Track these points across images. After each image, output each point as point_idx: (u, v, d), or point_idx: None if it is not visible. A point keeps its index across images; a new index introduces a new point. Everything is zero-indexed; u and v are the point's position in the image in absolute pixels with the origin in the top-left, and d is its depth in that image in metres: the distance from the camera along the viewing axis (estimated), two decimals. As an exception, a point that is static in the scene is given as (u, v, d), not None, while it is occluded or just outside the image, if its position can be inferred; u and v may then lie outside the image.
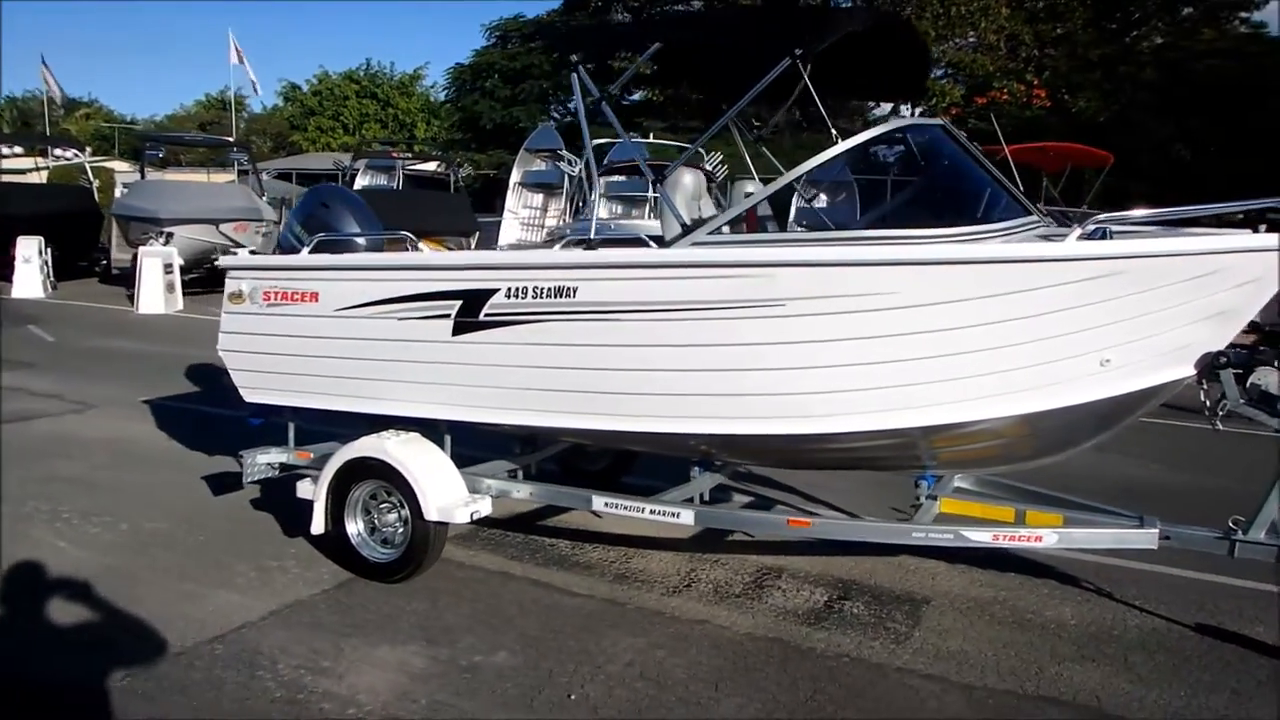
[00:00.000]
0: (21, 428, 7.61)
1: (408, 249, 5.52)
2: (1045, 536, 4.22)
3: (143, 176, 18.96)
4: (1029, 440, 4.31)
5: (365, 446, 4.71)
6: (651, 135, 17.75)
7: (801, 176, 4.19)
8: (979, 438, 4.21)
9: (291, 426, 5.39)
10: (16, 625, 4.23)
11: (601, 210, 17.84)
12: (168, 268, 15.72)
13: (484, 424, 4.63)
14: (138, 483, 6.30)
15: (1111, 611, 4.64)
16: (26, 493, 5.96)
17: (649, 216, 17.86)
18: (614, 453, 6.11)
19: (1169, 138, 22.33)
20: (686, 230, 4.26)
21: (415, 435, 4.77)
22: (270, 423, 5.56)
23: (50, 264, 17.43)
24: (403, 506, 4.66)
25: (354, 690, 3.70)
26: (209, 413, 8.40)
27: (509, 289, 4.26)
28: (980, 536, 4.24)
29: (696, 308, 3.96)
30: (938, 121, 4.51)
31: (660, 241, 4.52)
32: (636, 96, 31.47)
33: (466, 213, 19.77)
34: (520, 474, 5.35)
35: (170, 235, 16.21)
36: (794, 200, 5.45)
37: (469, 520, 4.60)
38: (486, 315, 4.31)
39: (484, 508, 4.66)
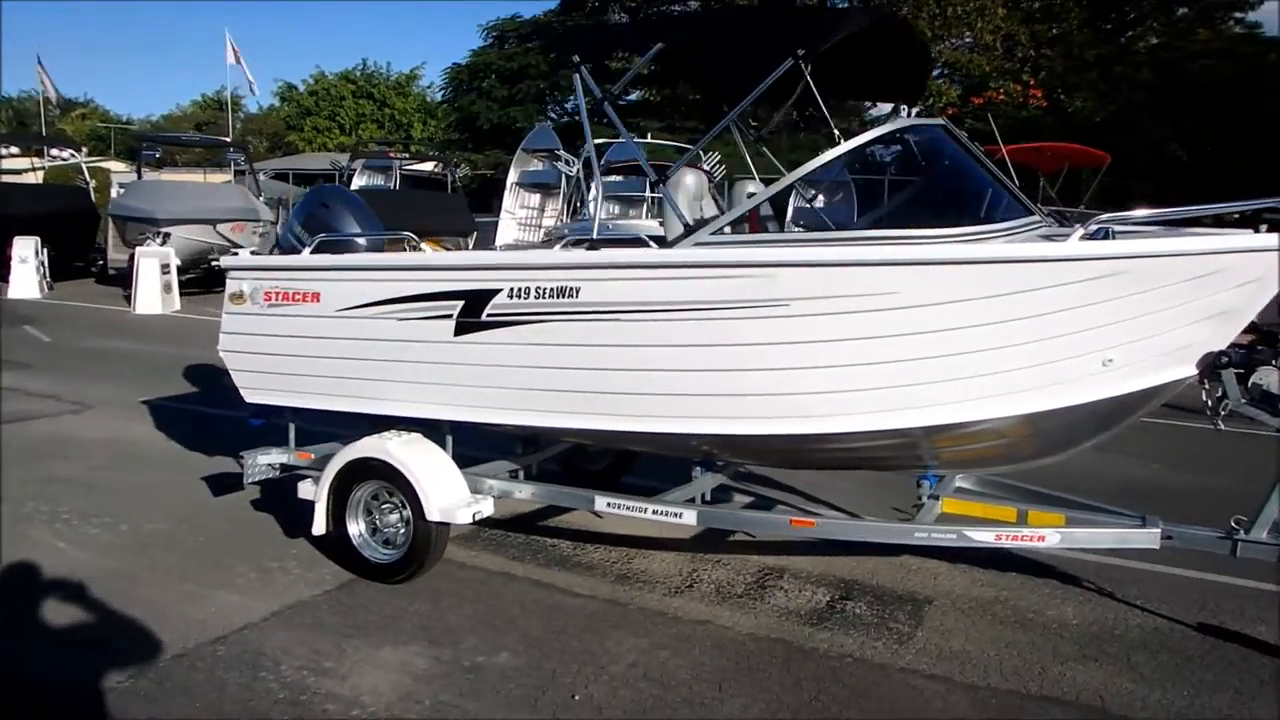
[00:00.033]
0: (19, 428, 7.59)
1: (408, 249, 5.52)
2: (1048, 536, 4.22)
3: (139, 177, 18.94)
4: (1031, 440, 4.31)
5: (367, 447, 4.70)
6: (650, 135, 17.72)
7: (806, 176, 4.19)
8: (981, 438, 4.22)
9: (292, 427, 5.38)
10: (17, 626, 4.20)
11: (602, 210, 17.84)
12: (165, 268, 15.70)
13: (486, 424, 4.62)
14: (137, 483, 6.28)
15: (1113, 611, 4.65)
16: (25, 494, 5.95)
17: (646, 216, 17.88)
18: (614, 453, 6.10)
19: (1165, 138, 22.38)
20: (689, 230, 4.26)
21: (417, 436, 4.76)
22: (271, 423, 5.56)
23: (46, 264, 17.40)
24: (404, 507, 4.65)
25: (357, 691, 3.69)
26: (207, 413, 8.38)
27: (511, 289, 4.25)
28: (983, 536, 4.24)
29: (699, 308, 3.96)
30: (939, 121, 4.51)
31: (662, 242, 4.52)
32: (633, 97, 31.47)
33: (464, 213, 19.77)
34: (522, 474, 5.34)
35: (167, 235, 16.19)
36: (791, 200, 5.46)
37: (471, 521, 4.60)
38: (489, 315, 4.31)
39: (486, 508, 4.65)
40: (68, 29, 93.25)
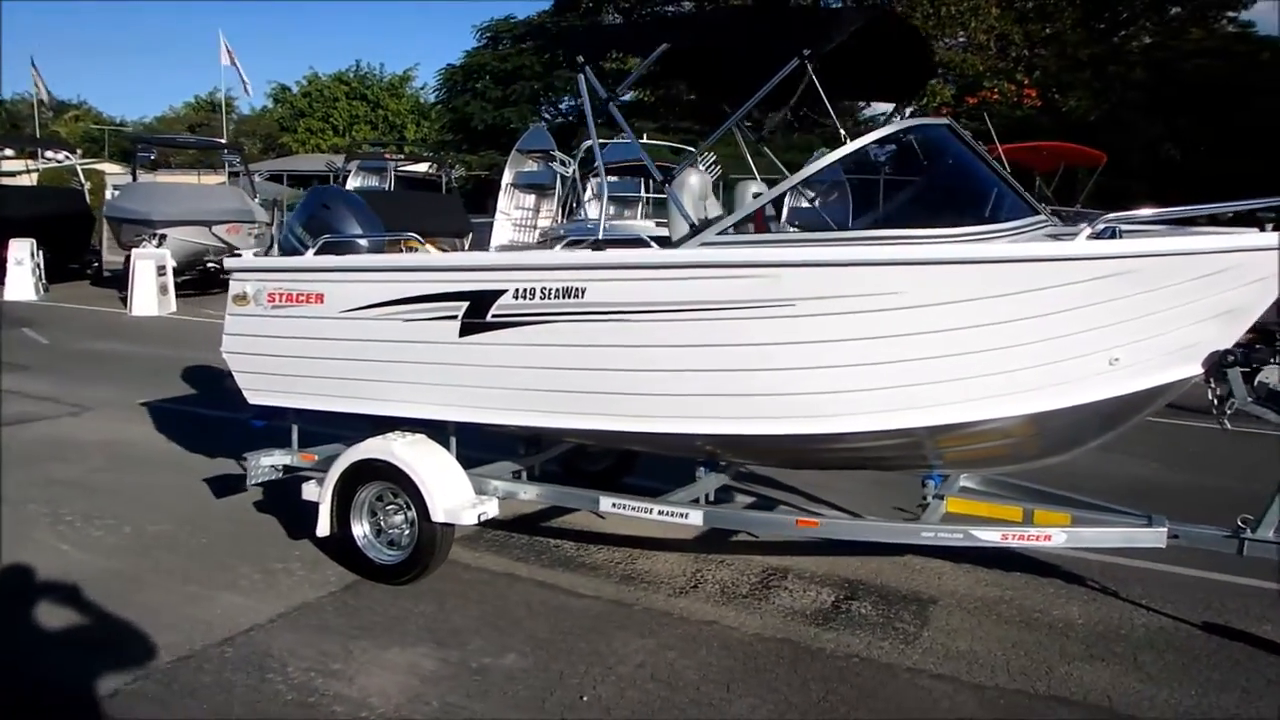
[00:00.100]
0: (19, 430, 7.56)
1: (410, 250, 5.50)
2: (1054, 535, 4.23)
3: (134, 178, 18.89)
4: (1036, 440, 4.32)
5: (371, 448, 4.69)
6: (645, 136, 17.72)
7: (811, 176, 4.19)
8: (987, 437, 4.22)
9: (295, 428, 5.37)
10: (22, 628, 4.18)
11: (594, 211, 17.83)
12: (160, 269, 15.66)
13: (492, 425, 4.62)
14: (138, 485, 6.26)
15: (1118, 610, 4.65)
16: (27, 496, 5.92)
17: (641, 217, 17.88)
18: (615, 453, 6.10)
19: (1158, 137, 22.47)
20: (695, 230, 4.25)
21: (421, 437, 4.75)
22: (273, 425, 5.54)
23: (42, 266, 17.35)
24: (409, 508, 4.64)
25: (365, 693, 3.68)
26: (207, 415, 8.35)
27: (517, 290, 4.24)
28: (989, 536, 4.24)
29: (706, 308, 3.95)
30: (944, 121, 4.51)
31: (663, 241, 4.52)
32: (627, 97, 31.47)
33: (460, 213, 19.75)
34: (524, 475, 5.33)
35: (163, 237, 16.16)
36: (786, 200, 5.46)
37: (476, 522, 4.59)
38: (494, 316, 4.30)
39: (491, 509, 4.65)
40: (60, 30, 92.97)
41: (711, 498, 5.11)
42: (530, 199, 19.72)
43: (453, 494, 4.58)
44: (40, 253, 17.27)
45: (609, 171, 17.82)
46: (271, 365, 4.97)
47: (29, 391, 9.00)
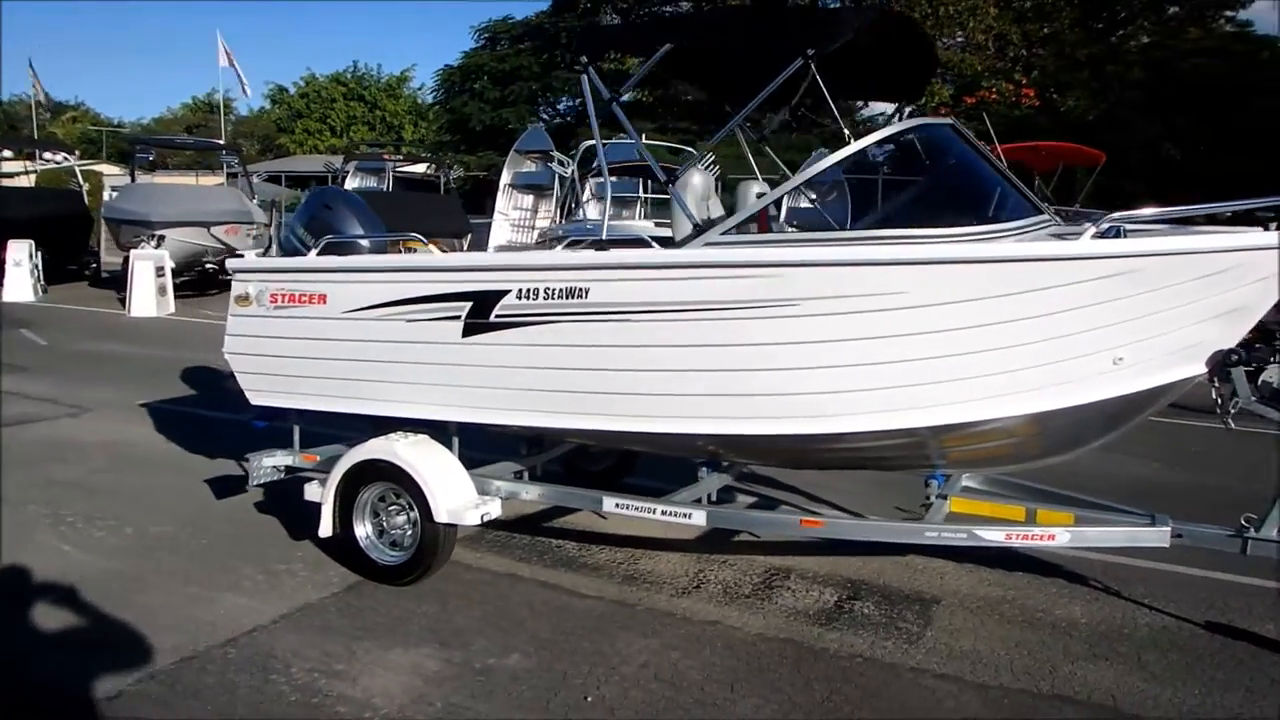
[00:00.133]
0: (18, 431, 7.54)
1: (408, 250, 5.49)
2: (1058, 535, 4.22)
3: (133, 179, 18.86)
4: (1039, 439, 4.32)
5: (374, 449, 4.68)
6: (643, 136, 17.68)
7: (816, 176, 4.19)
8: (990, 437, 4.22)
9: (297, 429, 5.36)
10: (24, 629, 4.17)
11: (593, 211, 17.84)
12: (159, 270, 15.64)
13: (495, 425, 4.61)
14: (139, 486, 6.25)
15: (1121, 610, 4.65)
16: (28, 497, 5.91)
17: (640, 217, 17.88)
18: (616, 453, 6.10)
19: (1157, 136, 22.49)
20: (698, 230, 4.25)
21: (424, 437, 4.75)
22: (275, 426, 5.53)
23: (40, 267, 17.33)
24: (412, 509, 4.64)
25: (369, 693, 3.68)
26: (206, 416, 8.34)
27: (520, 290, 4.24)
28: (993, 536, 4.24)
29: (709, 308, 3.95)
30: (947, 120, 4.51)
31: (664, 241, 4.51)
32: (625, 98, 31.46)
33: (459, 214, 19.75)
34: (526, 475, 5.32)
35: (162, 238, 16.14)
36: (785, 200, 5.45)
37: (479, 522, 4.59)
38: (498, 316, 4.30)
39: (494, 509, 4.64)
40: (56, 31, 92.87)
41: (714, 498, 5.11)
42: (528, 199, 19.72)
43: (456, 494, 4.57)
44: (39, 254, 17.25)
45: (610, 172, 17.83)
46: (274, 366, 4.96)
47: (28, 393, 8.99)
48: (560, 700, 3.67)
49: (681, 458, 5.51)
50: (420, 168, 25.38)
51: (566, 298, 4.15)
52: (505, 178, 19.75)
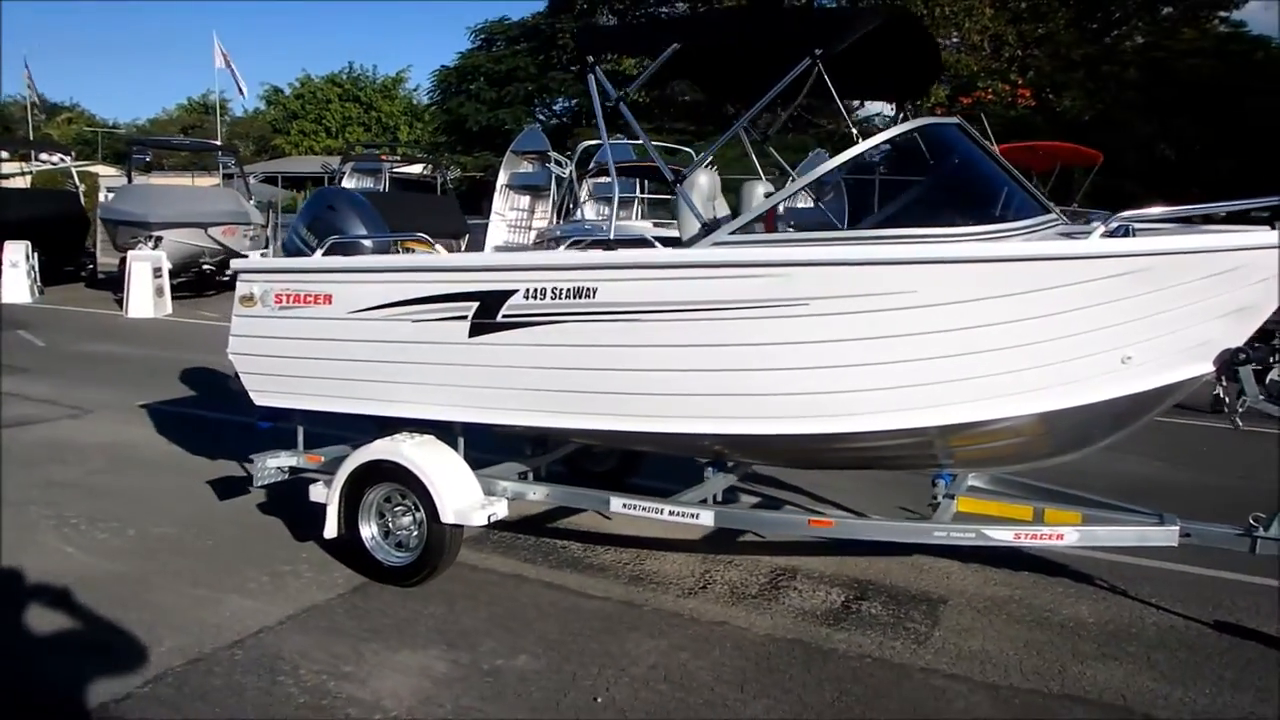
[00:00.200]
0: (18, 433, 7.51)
1: (407, 251, 5.47)
2: (1066, 535, 4.22)
3: (129, 180, 18.80)
4: (1047, 439, 4.32)
5: (380, 449, 4.66)
6: (638, 137, 17.64)
7: (826, 175, 4.19)
8: (998, 436, 4.22)
9: (301, 430, 5.35)
10: (28, 631, 4.15)
11: (590, 211, 17.84)
12: (156, 271, 15.58)
13: (502, 425, 4.60)
14: (141, 487, 6.22)
15: (1128, 609, 4.65)
16: (29, 498, 5.88)
17: (638, 217, 17.86)
18: (620, 454, 6.09)
19: (1153, 136, 22.56)
20: (706, 230, 4.24)
21: (430, 438, 4.73)
22: (278, 426, 5.52)
23: (37, 269, 17.27)
24: (418, 509, 4.62)
25: (378, 695, 3.66)
26: (207, 417, 8.32)
27: (527, 290, 4.22)
28: (1002, 535, 4.24)
29: (718, 307, 3.94)
30: (953, 120, 4.51)
31: (669, 242, 4.50)
32: (614, 98, 31.45)
33: (456, 215, 19.72)
34: (531, 475, 5.31)
35: (159, 239, 16.08)
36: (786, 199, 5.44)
37: (486, 523, 4.57)
38: (504, 316, 4.28)
39: (500, 510, 4.62)
40: (50, 31, 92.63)
41: (719, 498, 5.10)
42: (525, 200, 19.70)
43: (462, 495, 4.55)
44: (35, 255, 17.18)
45: (604, 172, 17.84)
46: (279, 366, 4.94)
47: (27, 394, 8.95)
48: (570, 701, 3.65)
49: (686, 458, 5.50)
50: (416, 168, 25.35)
51: (574, 297, 4.13)
52: (502, 178, 19.72)
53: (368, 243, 5.22)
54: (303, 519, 5.28)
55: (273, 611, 4.37)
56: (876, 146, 4.29)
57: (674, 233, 4.97)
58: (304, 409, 5.07)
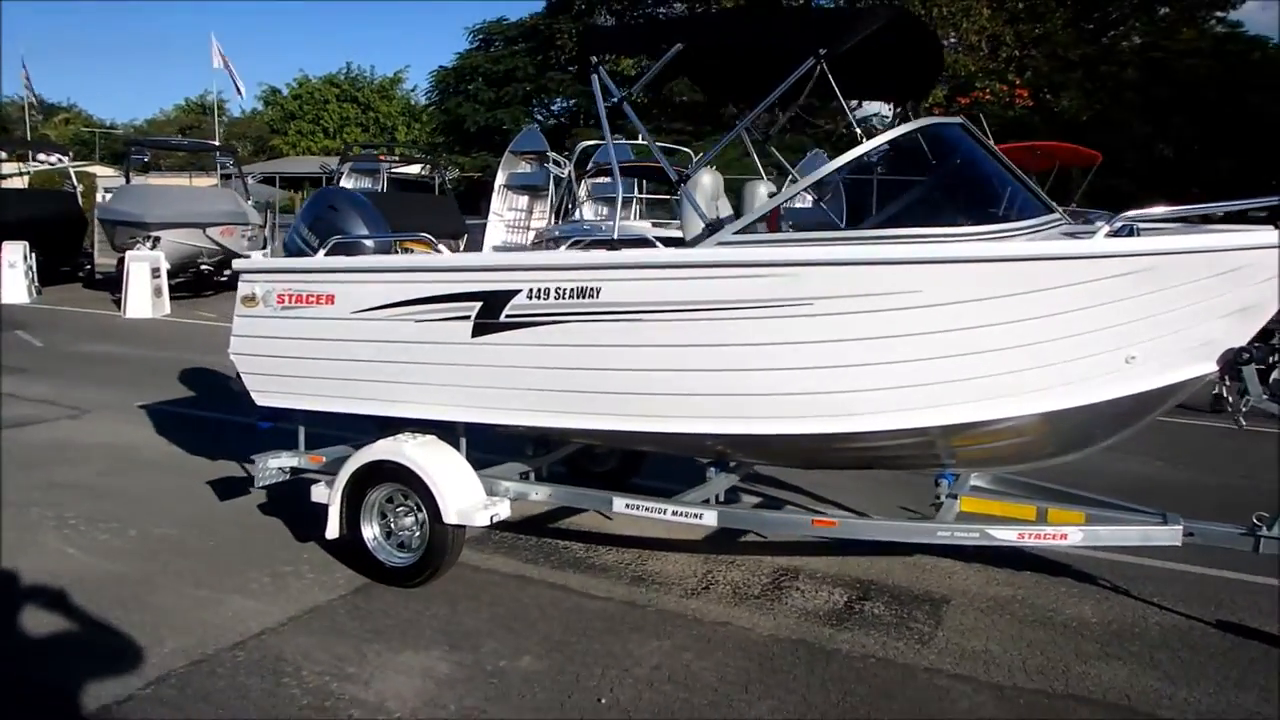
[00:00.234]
0: (18, 433, 7.48)
1: (406, 251, 5.46)
2: (1070, 534, 4.22)
3: (127, 181, 18.77)
4: (1051, 439, 4.31)
5: (383, 450, 4.65)
6: (638, 137, 17.67)
7: (830, 175, 4.18)
8: (1002, 436, 4.21)
9: (302, 430, 5.33)
10: (30, 633, 4.13)
11: (589, 212, 17.84)
12: (155, 272, 15.55)
13: (505, 426, 4.59)
14: (141, 488, 6.21)
15: (1131, 609, 4.65)
16: (29, 499, 5.86)
17: (635, 217, 17.87)
18: (621, 454, 6.08)
19: (1151, 136, 22.60)
20: (711, 230, 4.24)
21: (432, 438, 4.72)
22: (279, 427, 5.50)
23: (34, 269, 17.23)
24: (420, 510, 4.60)
25: (381, 697, 3.65)
26: (206, 417, 8.30)
27: (531, 290, 4.22)
28: (1006, 535, 4.24)
29: (723, 307, 3.93)
30: (957, 120, 4.51)
31: (669, 242, 4.50)
32: (617, 98, 31.47)
33: (454, 215, 19.71)
34: (532, 476, 5.30)
35: (157, 239, 16.05)
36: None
37: (489, 523, 4.56)
38: (508, 316, 4.27)
39: (503, 510, 4.61)
40: (47, 32, 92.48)
41: (721, 498, 5.10)
42: (523, 200, 19.70)
43: (464, 495, 4.54)
44: (33, 255, 17.15)
45: (603, 172, 17.85)
46: (280, 367, 4.92)
47: (26, 394, 8.92)
48: (574, 703, 3.64)
49: (687, 458, 5.49)
50: (414, 169, 25.32)
51: (578, 297, 4.13)
52: (500, 179, 19.72)
53: (369, 243, 5.21)
54: (303, 519, 5.27)
55: (275, 612, 4.36)
56: (881, 146, 4.29)
57: (672, 232, 4.98)
58: (306, 409, 5.06)
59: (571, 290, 4.14)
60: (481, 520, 4.50)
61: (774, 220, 4.43)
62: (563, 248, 6.23)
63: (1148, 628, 4.45)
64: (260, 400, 5.07)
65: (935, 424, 4.03)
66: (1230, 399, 4.07)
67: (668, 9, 33.77)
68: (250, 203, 18.75)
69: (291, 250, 5.43)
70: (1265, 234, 3.70)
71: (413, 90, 51.87)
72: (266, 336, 4.91)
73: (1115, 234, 3.77)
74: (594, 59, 4.59)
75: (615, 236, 4.66)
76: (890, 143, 4.18)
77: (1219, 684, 3.91)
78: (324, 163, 27.73)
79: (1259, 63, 22.74)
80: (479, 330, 4.34)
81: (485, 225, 19.17)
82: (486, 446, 5.17)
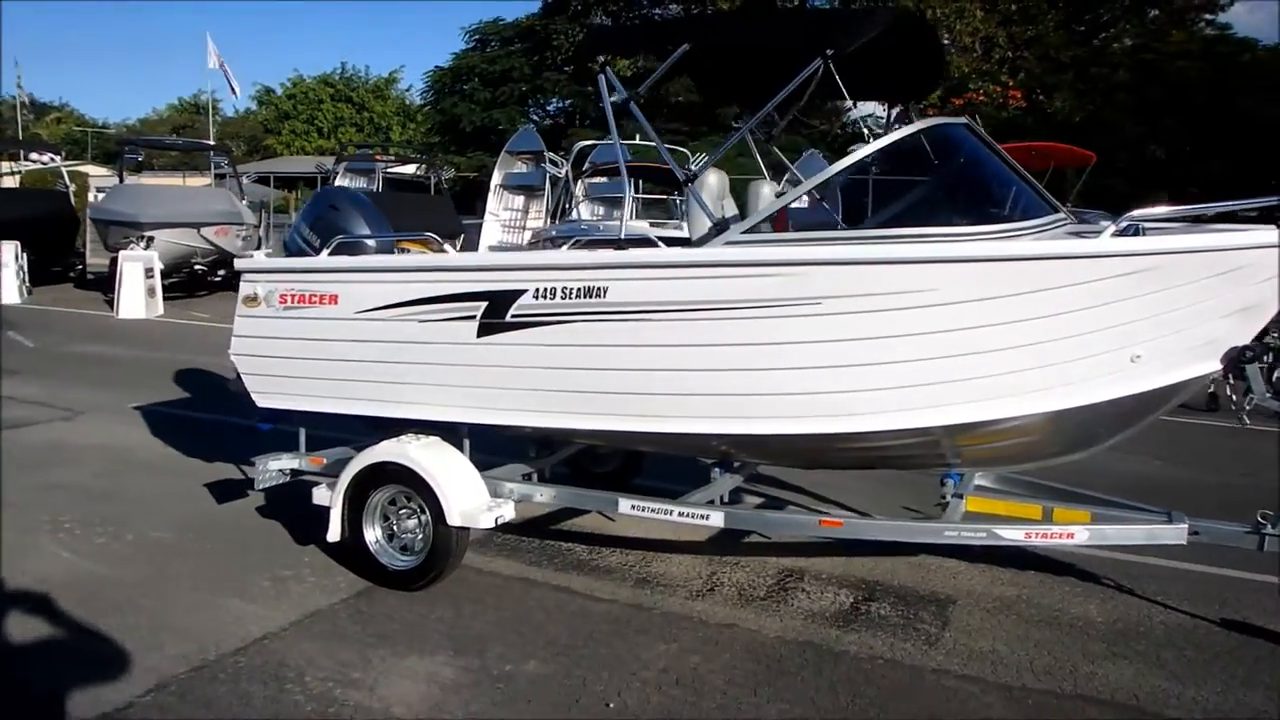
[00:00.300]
0: (11, 435, 7.41)
1: (403, 251, 5.42)
2: (1076, 533, 4.22)
3: (121, 180, 18.67)
4: (1055, 438, 4.30)
5: (386, 451, 4.61)
6: (637, 137, 17.70)
7: (836, 176, 4.17)
8: (1008, 435, 4.20)
9: (303, 432, 5.29)
10: (27, 639, 4.08)
11: (586, 212, 17.81)
12: (148, 272, 15.47)
13: (510, 426, 4.56)
14: (138, 491, 6.15)
15: (1136, 608, 4.65)
16: (24, 502, 5.80)
17: (632, 217, 17.85)
18: (624, 454, 6.05)
19: (1143, 137, 22.69)
20: (718, 229, 4.21)
21: (436, 439, 4.68)
22: (279, 428, 5.46)
23: (25, 269, 17.13)
24: (423, 512, 4.57)
25: (386, 703, 3.61)
26: (202, 418, 8.25)
27: (537, 289, 4.19)
28: (1013, 535, 4.23)
29: (731, 307, 3.91)
30: (962, 120, 4.50)
31: (671, 242, 4.48)
32: (614, 99, 31.47)
33: (450, 215, 19.64)
34: (535, 477, 5.27)
35: (151, 239, 15.98)
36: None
37: (493, 525, 4.52)
38: (513, 316, 4.24)
39: (507, 512, 4.58)
40: (38, 32, 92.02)
41: (725, 499, 5.07)
42: (519, 200, 19.69)
43: (469, 497, 4.51)
44: (24, 255, 17.05)
45: (599, 172, 17.83)
46: (282, 367, 4.88)
47: (19, 396, 8.85)
48: (582, 707, 3.61)
49: (689, 458, 5.47)
50: (410, 169, 25.27)
51: (585, 297, 4.10)
52: (496, 179, 19.71)
53: (371, 242, 5.17)
54: (302, 522, 5.23)
55: (276, 617, 4.31)
56: (889, 145, 4.27)
57: (669, 232, 4.95)
58: (307, 410, 5.02)
59: (578, 290, 4.11)
60: (486, 522, 4.46)
61: (781, 220, 4.41)
62: (565, 247, 6.20)
63: (1153, 627, 4.44)
64: (261, 402, 5.02)
65: (942, 423, 4.02)
66: (1234, 397, 4.07)
67: (663, 10, 33.78)
68: (245, 202, 18.68)
69: (292, 250, 5.39)
70: (1265, 233, 3.70)
71: (408, 90, 51.78)
72: (268, 337, 4.87)
73: (1121, 233, 3.76)
74: (601, 59, 4.56)
75: (623, 236, 4.62)
76: (897, 142, 4.16)
77: (1226, 683, 3.90)
78: (319, 162, 27.64)
79: (1248, 64, 22.84)
80: (484, 330, 4.31)
81: (481, 225, 19.15)
82: (488, 448, 5.13)
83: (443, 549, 4.52)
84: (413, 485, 4.54)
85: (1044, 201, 4.28)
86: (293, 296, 4.72)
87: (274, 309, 4.78)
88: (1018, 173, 4.35)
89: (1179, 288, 3.71)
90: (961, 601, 4.70)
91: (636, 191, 19.10)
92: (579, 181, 17.73)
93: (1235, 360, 3.89)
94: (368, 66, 61.25)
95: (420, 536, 4.61)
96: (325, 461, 5.13)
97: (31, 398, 8.79)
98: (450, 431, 4.75)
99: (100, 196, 18.85)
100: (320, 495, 4.83)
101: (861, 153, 4.07)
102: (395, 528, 4.69)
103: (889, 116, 6.18)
